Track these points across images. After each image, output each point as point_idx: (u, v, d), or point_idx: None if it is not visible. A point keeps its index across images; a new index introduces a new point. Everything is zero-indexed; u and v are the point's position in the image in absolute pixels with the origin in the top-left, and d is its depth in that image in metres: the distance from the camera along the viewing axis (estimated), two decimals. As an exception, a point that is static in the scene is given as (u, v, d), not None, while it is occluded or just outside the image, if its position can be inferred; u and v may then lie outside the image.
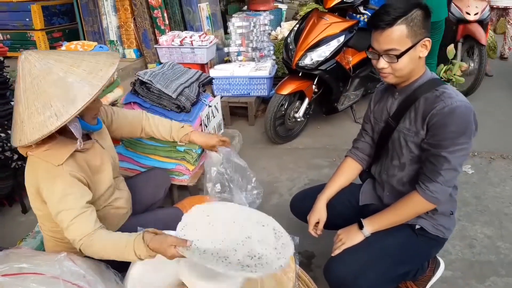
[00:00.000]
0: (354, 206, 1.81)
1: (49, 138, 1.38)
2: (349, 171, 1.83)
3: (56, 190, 1.40)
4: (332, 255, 1.59)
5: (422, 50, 1.44)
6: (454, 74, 3.74)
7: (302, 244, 2.13)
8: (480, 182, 2.84)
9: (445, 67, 3.76)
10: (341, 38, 3.18)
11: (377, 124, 1.70)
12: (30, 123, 1.30)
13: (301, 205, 1.93)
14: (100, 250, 1.41)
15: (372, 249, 1.53)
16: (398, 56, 1.41)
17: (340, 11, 3.32)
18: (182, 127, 1.96)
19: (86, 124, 1.50)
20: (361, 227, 1.57)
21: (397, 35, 1.39)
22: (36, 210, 1.57)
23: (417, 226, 1.58)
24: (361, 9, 3.28)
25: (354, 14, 3.56)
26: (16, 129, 1.36)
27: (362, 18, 3.75)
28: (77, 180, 1.45)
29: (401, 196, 1.56)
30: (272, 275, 1.62)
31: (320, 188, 1.84)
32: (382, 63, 1.46)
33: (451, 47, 3.98)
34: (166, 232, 1.44)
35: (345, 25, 3.20)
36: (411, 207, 1.51)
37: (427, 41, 1.43)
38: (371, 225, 1.57)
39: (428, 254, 1.73)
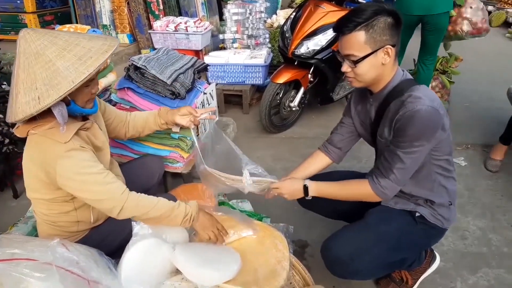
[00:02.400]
0: None
1: (52, 117, 1.35)
2: (313, 163, 1.88)
3: (72, 164, 1.38)
4: (265, 197, 1.75)
5: (385, 57, 1.42)
6: (450, 66, 3.74)
7: (296, 233, 2.15)
8: (473, 174, 2.85)
9: (441, 58, 3.75)
10: (338, 27, 3.14)
11: (363, 126, 1.73)
12: (18, 101, 1.29)
13: None
14: (149, 205, 1.49)
15: (371, 232, 1.56)
16: (356, 62, 1.42)
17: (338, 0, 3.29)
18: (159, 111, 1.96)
19: (79, 108, 1.47)
20: (305, 190, 1.65)
21: (355, 41, 1.40)
22: (33, 193, 1.54)
23: (417, 214, 1.60)
24: None
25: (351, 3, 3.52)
26: (9, 105, 1.36)
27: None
28: (88, 149, 1.45)
29: (398, 192, 1.57)
30: (266, 263, 1.63)
31: (324, 176, 1.86)
32: (345, 67, 1.48)
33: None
34: None
35: (342, 13, 3.13)
36: (357, 192, 1.58)
37: (389, 49, 1.41)
38: (315, 191, 1.64)
39: (426, 243, 1.75)
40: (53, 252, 1.22)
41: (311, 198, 1.64)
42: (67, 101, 1.39)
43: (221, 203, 2.27)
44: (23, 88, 1.28)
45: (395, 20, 1.40)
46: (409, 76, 1.54)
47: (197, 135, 1.89)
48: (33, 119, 1.38)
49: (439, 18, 3.16)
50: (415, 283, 1.88)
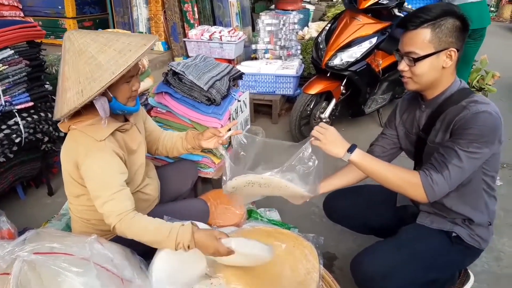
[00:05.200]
0: (393, 207, 1.78)
1: (94, 114, 1.42)
2: (349, 173, 1.76)
3: (96, 165, 1.42)
4: (311, 140, 1.47)
5: (446, 60, 1.38)
6: (486, 84, 3.65)
7: (324, 246, 2.11)
8: (509, 194, 2.75)
9: (478, 76, 3.67)
10: (373, 40, 3.13)
11: (409, 137, 1.66)
12: (63, 97, 1.35)
13: (334, 204, 1.91)
14: (140, 230, 1.42)
15: (404, 251, 1.50)
16: (416, 60, 1.37)
17: (374, 12, 3.26)
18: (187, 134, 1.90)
19: (121, 105, 1.50)
20: (350, 150, 1.43)
21: (419, 38, 1.36)
22: (68, 189, 1.58)
23: (453, 234, 1.54)
24: (396, 11, 3.22)
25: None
26: (56, 102, 1.43)
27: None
28: (118, 157, 1.47)
29: (437, 206, 1.53)
30: (294, 274, 1.60)
31: (354, 189, 1.81)
32: (402, 65, 1.43)
33: (484, 57, 3.89)
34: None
35: (378, 26, 3.15)
36: (403, 179, 1.40)
37: (453, 52, 1.36)
38: (358, 156, 1.43)
39: (460, 264, 1.69)
40: (91, 248, 1.25)
41: (347, 160, 1.44)
42: (109, 97, 1.44)
43: (249, 211, 2.27)
44: (68, 84, 1.34)
45: (463, 25, 1.36)
46: (467, 86, 1.48)
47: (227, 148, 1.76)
48: (77, 115, 1.44)
49: (477, 32, 3.15)
50: (447, 303, 1.81)
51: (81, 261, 1.19)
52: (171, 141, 1.91)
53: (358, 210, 1.83)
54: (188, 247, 1.40)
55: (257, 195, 1.68)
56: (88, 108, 1.42)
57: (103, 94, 1.39)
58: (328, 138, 1.45)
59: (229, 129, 1.79)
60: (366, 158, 1.45)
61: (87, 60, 1.33)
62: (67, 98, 1.34)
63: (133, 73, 1.48)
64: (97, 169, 1.42)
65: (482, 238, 1.54)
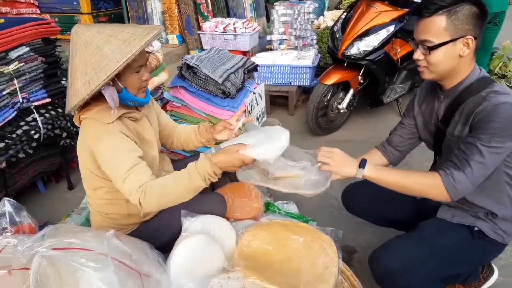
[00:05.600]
0: (413, 200, 1.74)
1: (103, 103, 1.43)
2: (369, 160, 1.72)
3: (107, 145, 1.41)
4: (317, 165, 1.47)
5: (463, 48, 1.32)
6: (510, 70, 3.53)
7: (344, 239, 2.09)
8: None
9: (500, 62, 3.55)
10: (391, 28, 3.05)
11: (428, 127, 1.62)
12: (72, 89, 1.36)
13: (353, 196, 1.89)
14: (162, 189, 1.40)
15: (425, 245, 1.46)
16: (431, 48, 1.33)
17: None
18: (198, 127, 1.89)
19: (131, 96, 1.50)
20: (361, 166, 1.42)
21: (435, 25, 1.31)
22: (87, 183, 1.60)
23: (476, 228, 1.49)
24: None
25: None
26: (67, 96, 1.43)
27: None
28: (126, 137, 1.46)
29: (458, 200, 1.46)
30: (313, 267, 1.58)
31: (372, 184, 1.77)
32: (417, 54, 1.39)
33: (507, 43, 3.76)
34: None
35: (396, 14, 3.07)
36: (423, 183, 1.38)
37: (470, 40, 1.31)
38: (371, 171, 1.42)
39: (484, 259, 1.64)
40: (109, 243, 1.25)
41: (361, 177, 1.43)
42: (119, 88, 1.44)
43: (266, 204, 2.25)
44: (76, 75, 1.35)
45: (481, 12, 1.31)
46: (487, 75, 1.43)
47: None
48: (87, 106, 1.45)
49: (504, 15, 3.05)
50: (470, 298, 1.76)
51: (99, 257, 1.19)
52: (185, 135, 1.91)
53: (377, 203, 1.81)
54: (215, 174, 1.41)
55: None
56: (97, 99, 1.43)
57: (113, 85, 1.40)
58: (336, 160, 1.44)
59: (237, 119, 1.81)
60: (380, 171, 1.44)
61: (93, 51, 1.33)
62: (76, 90, 1.35)
63: (141, 63, 1.47)
64: (107, 151, 1.41)
65: (506, 232, 1.49)
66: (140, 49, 1.34)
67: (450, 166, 1.36)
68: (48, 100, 2.24)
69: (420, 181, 1.39)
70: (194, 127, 1.91)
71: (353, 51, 3.04)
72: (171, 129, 1.90)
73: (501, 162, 1.38)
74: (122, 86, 1.44)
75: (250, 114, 2.40)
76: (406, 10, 3.11)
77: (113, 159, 1.41)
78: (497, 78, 3.55)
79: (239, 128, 1.78)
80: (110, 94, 1.36)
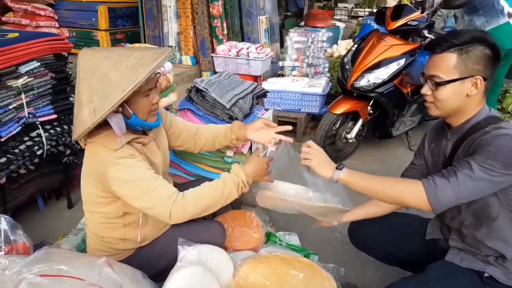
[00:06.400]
0: (422, 239, 1.69)
1: (110, 126, 1.36)
2: (376, 205, 1.73)
3: (121, 170, 1.38)
4: (301, 161, 1.47)
5: (471, 88, 1.32)
6: (524, 109, 3.48)
7: (346, 275, 2.01)
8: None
9: (514, 100, 3.50)
10: (402, 62, 3.03)
11: (436, 167, 1.58)
12: (78, 117, 1.34)
13: (360, 230, 1.85)
14: (197, 199, 1.43)
15: None
16: (438, 84, 1.33)
17: (402, 33, 3.18)
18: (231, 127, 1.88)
19: (141, 121, 1.47)
20: (338, 168, 1.40)
21: (445, 62, 1.33)
22: (88, 205, 1.57)
23: (486, 274, 1.42)
24: (425, 32, 3.12)
25: (417, 38, 3.40)
26: (73, 124, 1.41)
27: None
28: (139, 158, 1.43)
29: (469, 240, 1.44)
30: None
31: (383, 216, 1.74)
32: (425, 88, 1.40)
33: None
34: None
35: (407, 48, 3.06)
36: (402, 188, 1.32)
37: (479, 80, 1.30)
38: (348, 174, 1.37)
39: None
40: (99, 272, 1.21)
41: (336, 180, 1.39)
42: (129, 114, 1.41)
43: (267, 234, 2.19)
44: (82, 103, 1.32)
45: (494, 54, 1.31)
46: (496, 114, 1.41)
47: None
48: (93, 132, 1.41)
49: (507, 53, 3.05)
50: None
51: (88, 287, 1.15)
52: (212, 131, 1.88)
53: (384, 238, 1.76)
54: (247, 183, 1.51)
55: (288, 209, 1.69)
56: (104, 125, 1.37)
57: (122, 110, 1.37)
58: (317, 158, 1.44)
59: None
60: (356, 175, 1.38)
61: (100, 78, 1.31)
62: (82, 118, 1.32)
63: (150, 86, 1.44)
64: (123, 174, 1.38)
65: None
66: (147, 76, 1.31)
67: (435, 175, 1.31)
68: (54, 116, 2.23)
69: (399, 186, 1.34)
70: (225, 125, 1.91)
71: (363, 83, 3.02)
72: (190, 132, 1.86)
73: (506, 203, 1.34)
74: (131, 112, 1.41)
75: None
76: (417, 44, 3.11)
77: (132, 181, 1.38)
78: (509, 116, 3.50)
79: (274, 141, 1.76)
80: (117, 122, 1.33)
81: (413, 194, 1.29)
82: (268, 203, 1.70)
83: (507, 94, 3.70)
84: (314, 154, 1.44)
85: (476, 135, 1.33)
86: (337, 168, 1.40)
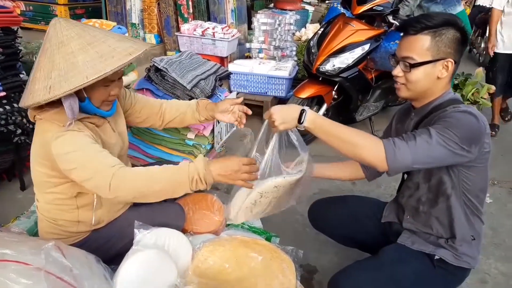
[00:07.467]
0: (379, 222, 1.73)
1: (60, 103, 1.28)
2: (343, 168, 1.79)
3: (65, 141, 1.29)
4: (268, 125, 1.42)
5: (442, 71, 1.35)
6: (481, 97, 3.60)
7: (306, 257, 2.04)
8: (498, 213, 2.70)
9: (473, 89, 3.61)
10: (366, 47, 3.07)
11: None
12: (31, 87, 1.26)
13: (319, 212, 1.87)
14: (141, 174, 1.30)
15: (384, 271, 1.44)
16: (412, 66, 1.34)
17: (368, 18, 3.20)
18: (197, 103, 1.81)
19: (93, 107, 1.40)
20: (301, 116, 1.32)
21: (418, 44, 1.34)
22: (38, 186, 1.50)
23: (436, 257, 1.46)
24: (390, 18, 3.15)
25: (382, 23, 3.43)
26: (25, 90, 1.32)
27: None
28: (87, 134, 1.35)
29: (422, 218, 1.48)
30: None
31: (341, 199, 1.81)
32: (397, 70, 1.40)
33: (479, 70, 3.85)
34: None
35: (372, 33, 3.09)
36: (362, 140, 1.29)
37: (450, 63, 1.34)
38: (312, 119, 1.32)
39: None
40: (47, 256, 1.15)
41: (303, 128, 1.34)
42: (82, 97, 1.34)
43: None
44: (39, 75, 1.25)
45: (463, 38, 1.34)
46: (458, 97, 1.45)
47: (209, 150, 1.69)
48: (41, 106, 1.33)
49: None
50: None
51: (33, 272, 1.09)
52: (178, 111, 1.79)
53: (343, 221, 1.79)
54: (205, 180, 1.30)
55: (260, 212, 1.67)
56: (55, 102, 1.28)
57: (76, 92, 1.29)
58: (279, 117, 1.34)
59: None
60: (321, 120, 1.34)
61: (65, 56, 1.23)
62: (35, 90, 1.24)
63: (114, 78, 1.37)
64: (66, 144, 1.29)
65: (469, 255, 1.46)
66: (115, 70, 1.25)
67: (396, 137, 1.31)
68: (3, 93, 2.11)
69: (360, 138, 1.30)
70: (191, 103, 1.80)
71: (328, 67, 3.03)
72: (153, 110, 1.78)
73: (459, 187, 1.38)
74: (85, 96, 1.34)
75: (218, 123, 2.33)
76: (382, 30, 3.14)
77: (75, 153, 1.29)
78: (469, 103, 3.61)
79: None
80: (70, 105, 1.25)
81: (373, 149, 1.27)
82: (243, 215, 1.64)
83: (467, 81, 3.81)
84: (273, 113, 1.36)
85: (437, 113, 1.36)
86: (300, 116, 1.32)
